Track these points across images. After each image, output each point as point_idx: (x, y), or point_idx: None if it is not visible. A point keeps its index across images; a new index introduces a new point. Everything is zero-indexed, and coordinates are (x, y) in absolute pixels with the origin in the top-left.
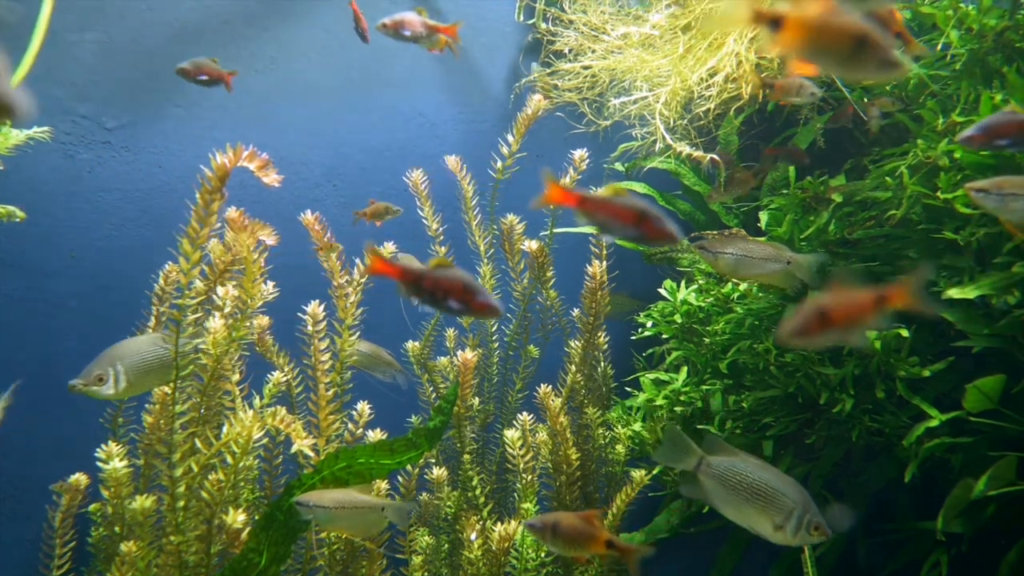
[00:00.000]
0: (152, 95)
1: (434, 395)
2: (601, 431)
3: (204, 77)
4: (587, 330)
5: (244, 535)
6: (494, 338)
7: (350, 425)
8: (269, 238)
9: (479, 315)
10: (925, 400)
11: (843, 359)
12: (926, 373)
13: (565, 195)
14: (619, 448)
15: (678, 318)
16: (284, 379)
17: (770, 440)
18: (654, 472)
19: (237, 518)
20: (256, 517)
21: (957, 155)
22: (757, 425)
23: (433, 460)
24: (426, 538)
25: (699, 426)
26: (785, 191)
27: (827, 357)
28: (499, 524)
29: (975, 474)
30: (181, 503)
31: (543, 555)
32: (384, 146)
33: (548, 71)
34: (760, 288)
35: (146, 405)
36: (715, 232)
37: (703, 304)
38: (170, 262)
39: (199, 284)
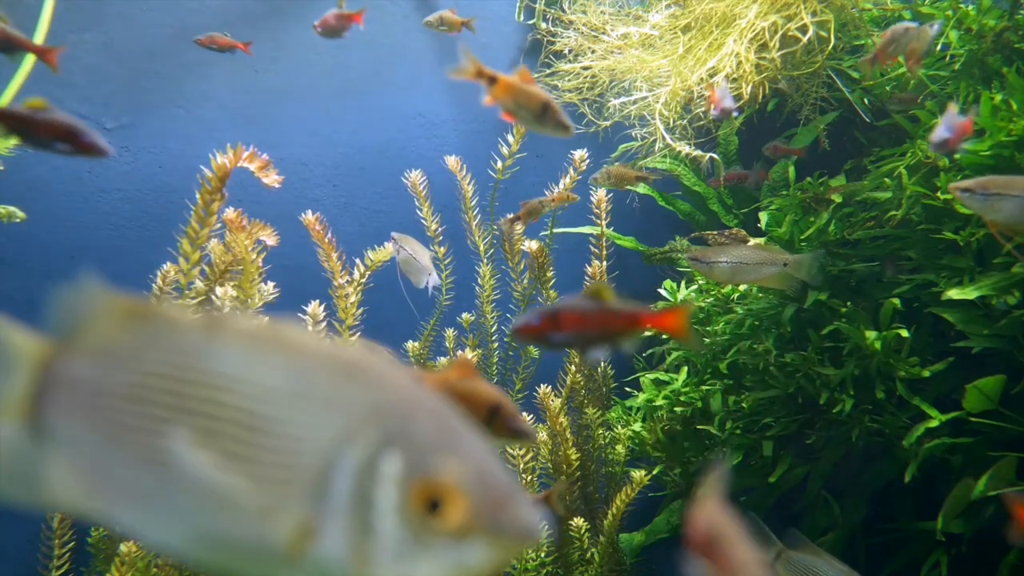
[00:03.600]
0: (152, 95)
1: None
2: (601, 431)
3: (215, 47)
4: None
5: None
6: (494, 338)
7: None
8: (269, 238)
9: None
10: (925, 400)
11: (843, 359)
12: (926, 373)
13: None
14: (619, 448)
15: None
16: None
17: (770, 440)
18: (654, 472)
19: None
20: None
21: (957, 155)
22: (757, 425)
23: None
24: None
25: (699, 426)
26: (785, 192)
27: (827, 358)
28: None
29: (975, 474)
30: None
31: (543, 555)
32: (384, 146)
33: (548, 71)
34: (760, 288)
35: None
36: (715, 232)
37: (703, 304)
38: (169, 262)
39: (199, 284)
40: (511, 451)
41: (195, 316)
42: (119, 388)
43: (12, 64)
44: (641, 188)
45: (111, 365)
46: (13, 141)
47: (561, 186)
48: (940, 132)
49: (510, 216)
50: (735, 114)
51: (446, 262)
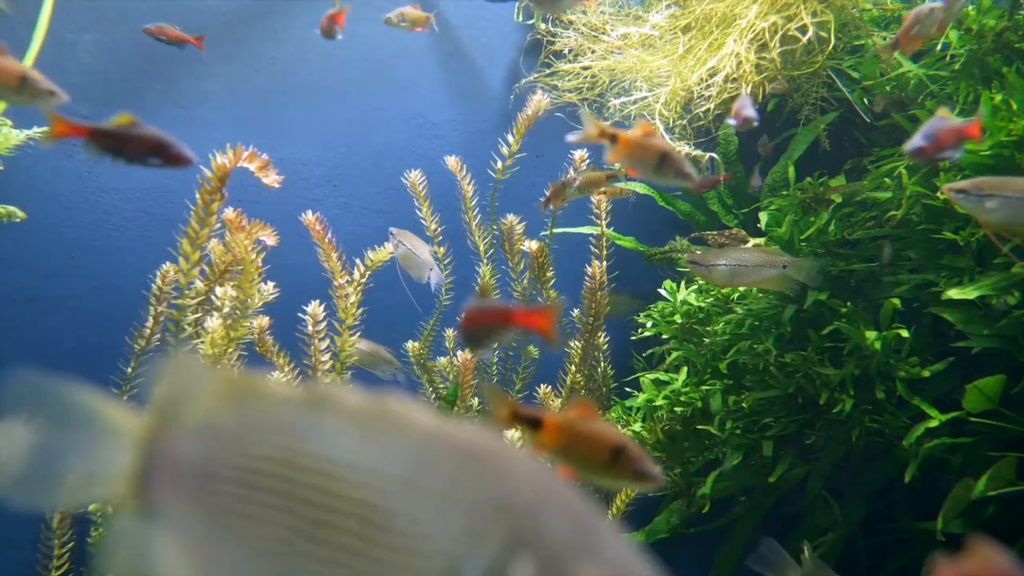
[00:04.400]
0: (152, 95)
1: (434, 396)
2: None
3: (164, 38)
4: (587, 330)
5: None
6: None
7: None
8: (269, 238)
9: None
10: (925, 400)
11: (843, 359)
12: (926, 374)
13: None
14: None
15: (678, 318)
16: (284, 379)
17: (770, 440)
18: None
19: None
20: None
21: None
22: (757, 425)
23: None
24: None
25: (699, 426)
26: (785, 192)
27: (827, 358)
28: None
29: (975, 474)
30: None
31: None
32: (384, 146)
33: (548, 72)
34: (760, 288)
35: (146, 406)
36: (715, 232)
37: (703, 304)
38: (168, 262)
39: (199, 284)
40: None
41: (299, 391)
42: (225, 472)
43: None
44: (640, 188)
45: (215, 446)
46: (13, 142)
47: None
48: (916, 140)
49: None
50: (755, 124)
51: (446, 262)
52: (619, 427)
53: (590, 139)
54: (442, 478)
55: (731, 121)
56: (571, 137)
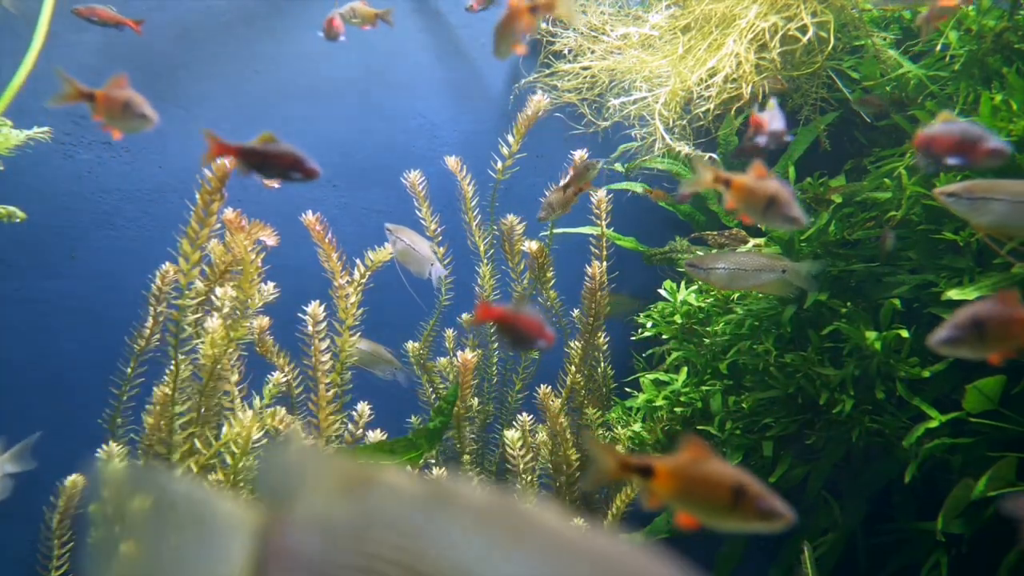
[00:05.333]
0: (152, 95)
1: (434, 396)
2: (601, 431)
3: (96, 19)
4: (587, 330)
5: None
6: (494, 339)
7: (350, 425)
8: (269, 239)
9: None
10: (925, 401)
11: (843, 360)
12: (926, 374)
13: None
14: (619, 449)
15: (678, 319)
16: (284, 379)
17: (770, 441)
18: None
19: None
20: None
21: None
22: (757, 426)
23: (433, 460)
24: None
25: (699, 427)
26: None
27: (827, 358)
28: None
29: (975, 475)
30: None
31: None
32: (384, 147)
33: (548, 72)
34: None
35: (146, 406)
36: (715, 232)
37: (703, 305)
38: (168, 262)
39: (199, 284)
40: (511, 451)
41: (419, 484)
42: (342, 571)
43: (12, 64)
44: (639, 188)
45: (332, 543)
46: (13, 142)
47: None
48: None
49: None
50: (787, 138)
51: (446, 262)
52: (619, 428)
53: (704, 186)
54: None
55: (760, 139)
56: (685, 189)
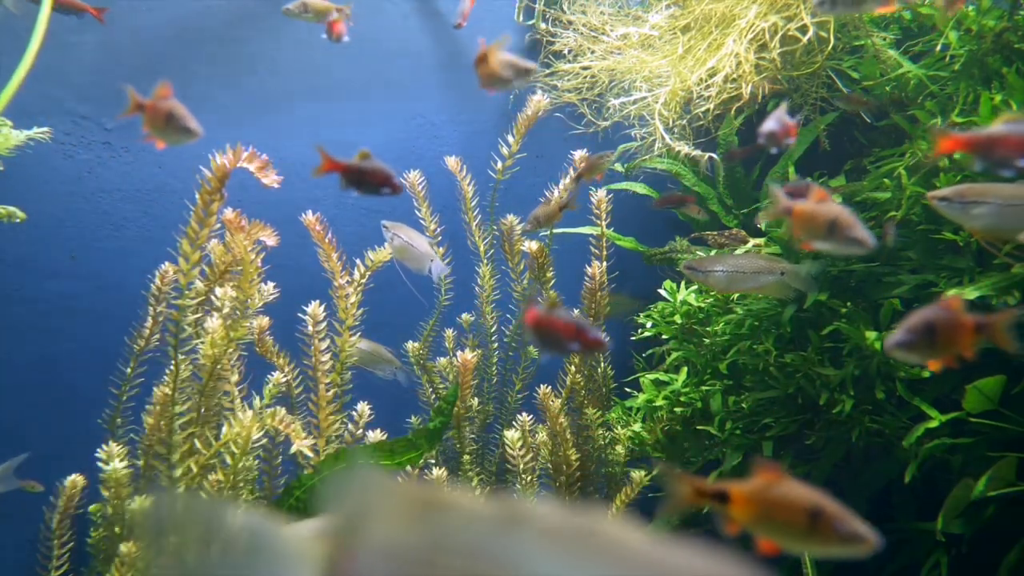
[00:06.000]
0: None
1: (433, 396)
2: (601, 432)
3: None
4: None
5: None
6: (493, 339)
7: (350, 425)
8: (269, 239)
9: None
10: (925, 401)
11: (843, 360)
12: (926, 374)
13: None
14: (619, 449)
15: (678, 319)
16: (284, 379)
17: (770, 441)
18: (654, 472)
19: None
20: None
21: (956, 156)
22: (757, 426)
23: (433, 460)
24: None
25: (699, 427)
26: None
27: (827, 358)
28: None
29: (975, 475)
30: None
31: None
32: (384, 147)
33: (548, 72)
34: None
35: (146, 406)
36: (715, 232)
37: (703, 305)
38: (168, 262)
39: (199, 284)
40: (510, 451)
41: (489, 507)
42: None
43: (12, 63)
44: (640, 188)
45: (400, 569)
46: (13, 142)
47: (561, 186)
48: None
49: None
50: (788, 140)
51: (446, 262)
52: (619, 428)
53: (775, 214)
54: None
55: (759, 139)
56: (761, 219)
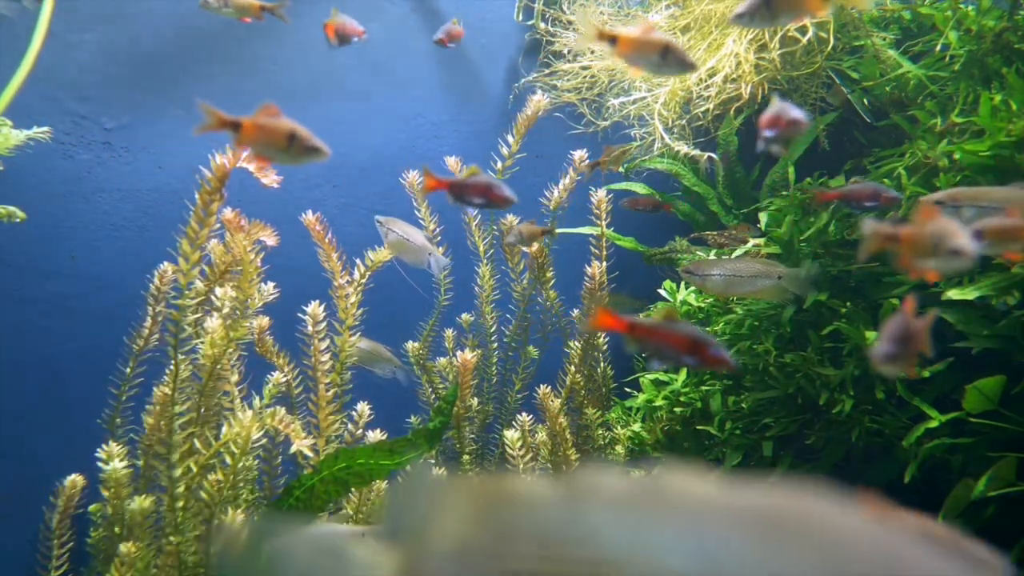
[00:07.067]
0: (152, 95)
1: (433, 396)
2: (601, 432)
3: None
4: (587, 331)
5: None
6: (493, 339)
7: (350, 425)
8: (269, 239)
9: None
10: (925, 401)
11: (843, 360)
12: (926, 374)
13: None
14: (619, 449)
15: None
16: (284, 379)
17: (770, 441)
18: (653, 472)
19: (236, 518)
20: (255, 518)
21: (956, 156)
22: (757, 426)
23: (432, 460)
24: None
25: (699, 427)
26: (785, 192)
27: (827, 358)
28: None
29: (975, 475)
30: (180, 504)
31: None
32: (384, 147)
33: (547, 71)
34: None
35: (146, 406)
36: (714, 232)
37: (703, 305)
38: (167, 262)
39: (199, 284)
40: (510, 451)
41: (552, 487)
42: None
43: (12, 64)
44: (640, 189)
45: (471, 569)
46: (13, 142)
47: (561, 186)
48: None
49: (596, 160)
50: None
51: (446, 268)
52: (619, 428)
53: (872, 249)
54: (740, 560)
55: (767, 133)
56: (862, 255)
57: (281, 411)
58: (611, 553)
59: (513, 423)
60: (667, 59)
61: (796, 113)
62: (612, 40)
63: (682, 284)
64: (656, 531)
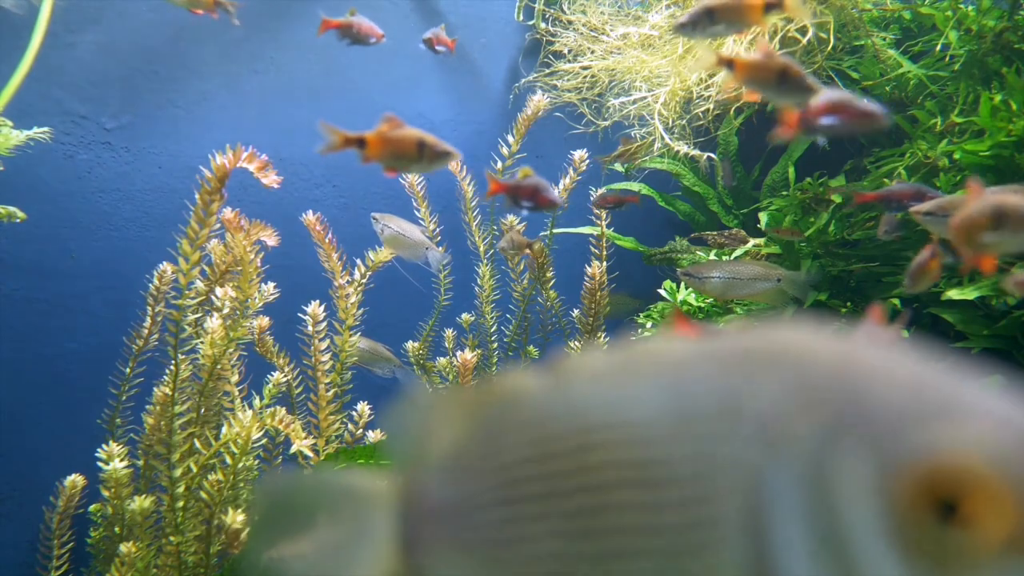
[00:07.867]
0: (152, 95)
1: None
2: None
3: None
4: (587, 331)
5: (243, 535)
6: (493, 339)
7: (350, 425)
8: (269, 239)
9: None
10: None
11: None
12: None
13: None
14: None
15: None
16: (284, 379)
17: None
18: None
19: (236, 518)
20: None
21: (956, 156)
22: None
23: None
24: None
25: None
26: (785, 192)
27: None
28: None
29: None
30: (180, 504)
31: None
32: None
33: (547, 71)
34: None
35: (146, 406)
36: (714, 232)
37: (702, 305)
38: (167, 262)
39: (199, 284)
40: None
41: (538, 377)
42: (482, 499)
43: (12, 63)
44: (641, 189)
45: (469, 475)
46: (13, 142)
47: (561, 186)
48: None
49: (612, 154)
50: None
51: (445, 262)
52: None
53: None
54: (712, 395)
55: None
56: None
57: (281, 411)
58: (595, 419)
59: None
60: (786, 82)
61: (868, 104)
62: (730, 64)
63: (682, 284)
64: (636, 388)
